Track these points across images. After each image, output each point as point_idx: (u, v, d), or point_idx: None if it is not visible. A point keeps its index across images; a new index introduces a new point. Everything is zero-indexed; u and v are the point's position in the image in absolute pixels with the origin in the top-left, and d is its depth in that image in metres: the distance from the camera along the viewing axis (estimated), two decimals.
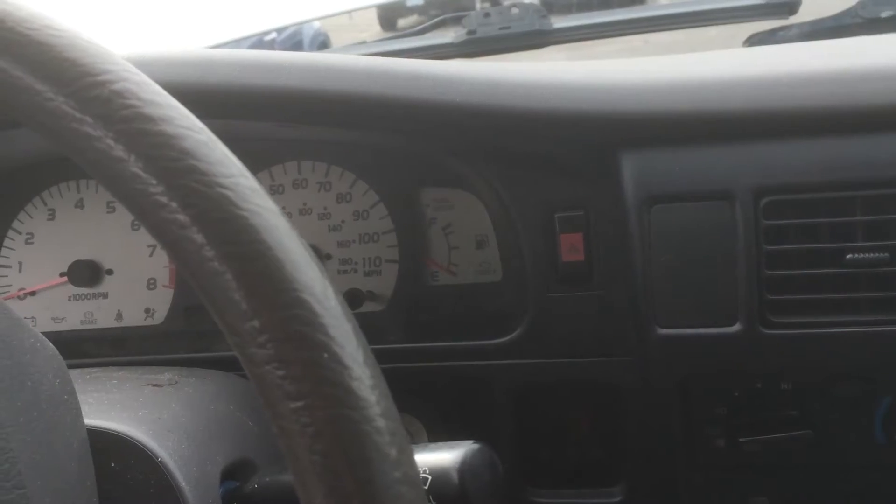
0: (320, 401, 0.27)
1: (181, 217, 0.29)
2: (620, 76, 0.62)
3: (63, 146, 0.30)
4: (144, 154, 0.29)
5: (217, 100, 0.56)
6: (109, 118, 0.29)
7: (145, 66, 0.32)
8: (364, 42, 1.09)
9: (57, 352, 0.44)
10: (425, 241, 0.78)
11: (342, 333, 0.28)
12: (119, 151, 0.29)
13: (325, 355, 0.28)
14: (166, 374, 0.57)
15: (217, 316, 0.29)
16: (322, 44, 1.69)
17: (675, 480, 0.64)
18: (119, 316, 0.81)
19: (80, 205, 0.82)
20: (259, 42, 1.41)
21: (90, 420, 0.45)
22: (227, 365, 0.70)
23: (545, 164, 0.63)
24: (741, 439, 0.61)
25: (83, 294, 0.82)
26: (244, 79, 0.57)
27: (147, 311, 0.81)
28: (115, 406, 0.49)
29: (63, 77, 0.29)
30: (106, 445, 0.45)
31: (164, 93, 0.31)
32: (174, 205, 0.29)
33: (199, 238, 0.28)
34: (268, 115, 0.59)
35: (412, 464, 0.28)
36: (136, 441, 0.45)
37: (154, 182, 0.29)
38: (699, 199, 0.58)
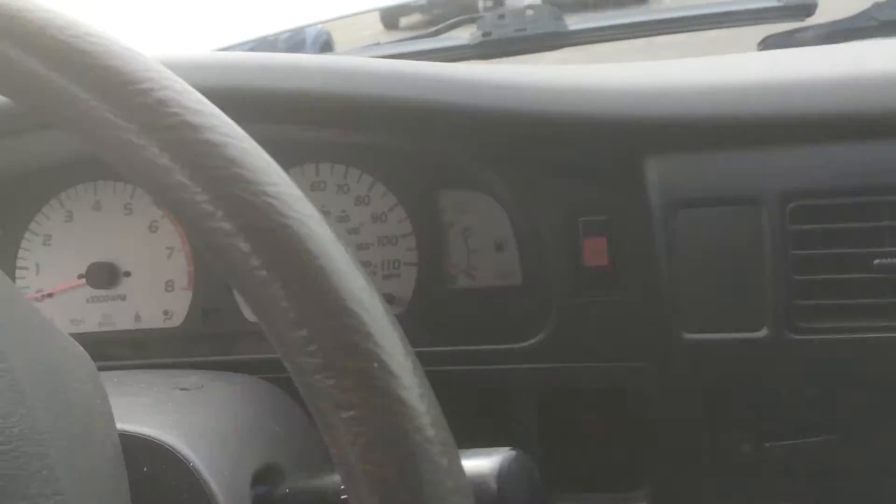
0: (372, 411, 0.27)
1: (227, 226, 0.28)
2: (644, 80, 0.62)
3: (106, 153, 0.30)
4: (190, 162, 0.29)
5: (247, 104, 0.56)
6: (154, 126, 0.29)
7: (170, 69, 0.32)
8: (378, 44, 1.08)
9: (87, 355, 0.44)
10: (444, 245, 0.78)
11: (391, 342, 0.28)
12: (164, 160, 0.29)
13: (376, 365, 0.28)
14: (192, 378, 0.57)
15: (265, 324, 0.29)
16: (325, 43, 1.68)
17: (699, 485, 0.64)
18: (137, 318, 0.81)
19: (97, 207, 0.82)
20: (261, 42, 1.40)
21: (122, 424, 0.45)
22: (249, 367, 0.70)
23: (568, 167, 0.63)
24: (767, 444, 0.61)
25: (101, 296, 0.82)
26: (274, 82, 0.57)
27: (165, 313, 0.81)
28: (145, 410, 0.49)
29: (106, 85, 0.29)
30: (138, 450, 0.45)
31: (206, 100, 0.31)
32: (220, 213, 0.28)
33: (245, 247, 0.28)
34: (297, 119, 0.59)
35: (462, 473, 0.28)
36: (169, 446, 0.45)
37: (200, 190, 0.29)
38: (725, 204, 0.58)
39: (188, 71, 0.63)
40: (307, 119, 0.60)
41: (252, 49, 1.31)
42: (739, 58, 0.75)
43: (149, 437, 0.45)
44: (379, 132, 0.64)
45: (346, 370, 0.27)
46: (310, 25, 1.37)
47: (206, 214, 0.29)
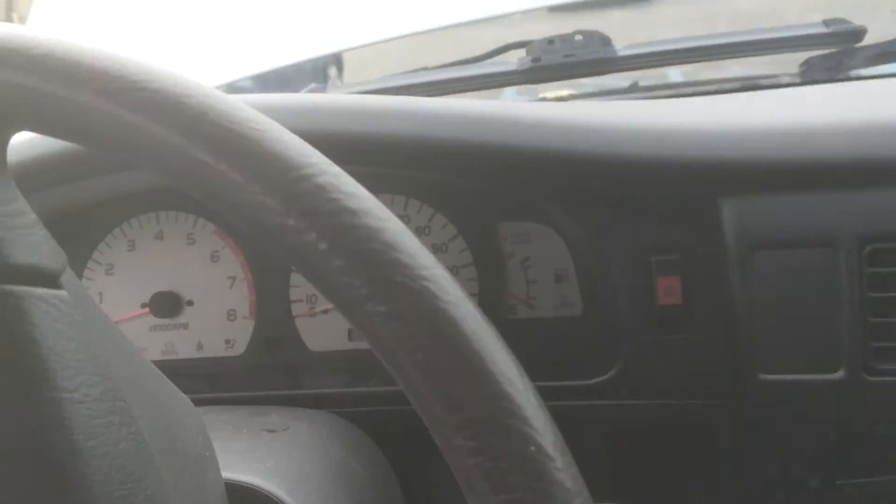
0: (530, 494, 0.28)
1: (385, 309, 0.29)
2: (718, 120, 0.63)
3: (262, 235, 0.31)
4: (350, 248, 0.29)
5: (339, 148, 0.57)
6: (315, 212, 0.30)
7: (268, 113, 0.32)
8: (426, 68, 1.09)
9: (193, 406, 0.45)
10: (504, 275, 0.78)
11: (543, 424, 0.29)
12: (324, 244, 0.30)
13: (532, 448, 0.28)
14: (274, 417, 0.58)
15: (420, 406, 0.30)
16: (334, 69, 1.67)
17: None
18: (200, 346, 0.82)
19: (159, 236, 0.83)
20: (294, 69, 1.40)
21: (226, 473, 0.46)
22: (317, 402, 0.71)
23: (640, 207, 0.64)
24: (838, 482, 0.61)
25: (164, 325, 0.82)
26: (366, 127, 0.58)
27: (227, 341, 0.82)
28: (242, 456, 0.50)
29: (268, 172, 0.30)
30: (242, 499, 0.45)
31: (357, 183, 0.31)
32: (380, 297, 0.29)
33: (404, 331, 0.29)
34: (383, 161, 0.60)
35: None
36: (270, 494, 0.46)
37: (360, 275, 0.29)
38: (802, 246, 0.59)
39: (286, 115, 0.64)
40: (392, 162, 0.61)
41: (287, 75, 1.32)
42: (808, 92, 0.76)
43: (252, 485, 0.46)
44: (451, 172, 0.65)
45: (503, 454, 0.28)
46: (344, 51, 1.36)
47: (363, 297, 0.29)
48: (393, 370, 0.30)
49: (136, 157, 0.31)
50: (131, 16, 1.43)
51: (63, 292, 0.35)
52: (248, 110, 0.31)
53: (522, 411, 0.29)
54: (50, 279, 0.35)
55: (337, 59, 1.43)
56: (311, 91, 1.08)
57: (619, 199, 0.65)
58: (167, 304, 0.81)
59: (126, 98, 0.30)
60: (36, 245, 0.35)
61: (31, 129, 0.33)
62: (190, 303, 0.82)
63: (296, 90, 1.34)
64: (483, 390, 0.29)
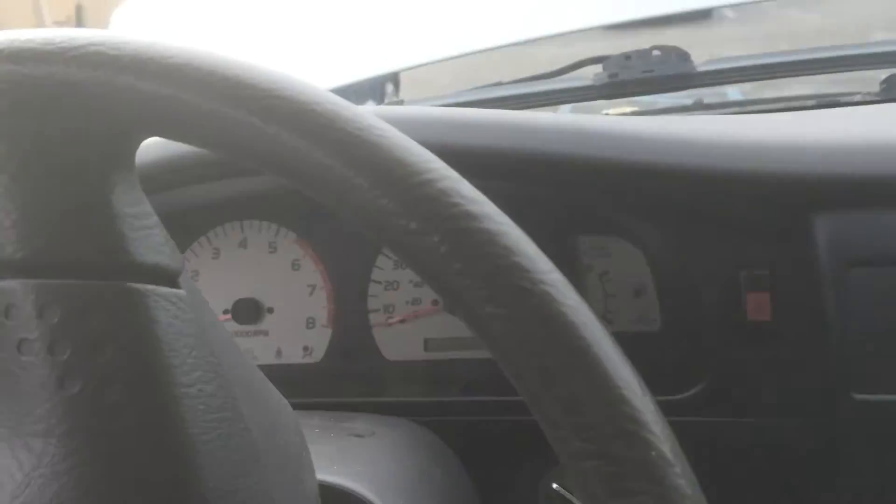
0: (650, 499, 0.28)
1: (505, 312, 0.30)
2: (811, 134, 0.62)
3: (383, 239, 0.32)
4: (472, 252, 0.30)
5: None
6: (437, 216, 0.30)
7: (395, 124, 0.33)
8: (500, 82, 1.10)
9: (291, 407, 0.45)
10: (581, 289, 0.78)
11: (662, 430, 0.29)
12: (445, 248, 0.30)
13: (653, 453, 0.28)
14: (359, 423, 0.59)
15: (537, 408, 0.30)
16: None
17: None
18: (279, 353, 0.84)
19: (243, 244, 0.85)
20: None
21: (319, 475, 0.46)
22: (395, 410, 0.72)
23: (729, 221, 0.63)
24: None
25: (245, 331, 0.84)
26: (465, 138, 0.59)
27: (305, 349, 0.83)
28: (332, 459, 0.50)
29: (392, 177, 0.31)
30: (335, 501, 0.46)
31: (476, 189, 0.32)
32: (500, 300, 0.30)
33: (524, 333, 0.29)
34: (477, 173, 0.61)
35: None
36: (364, 498, 0.47)
37: (480, 278, 0.30)
38: None
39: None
40: (483, 173, 0.61)
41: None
42: (892, 110, 0.74)
43: (345, 488, 0.47)
44: (539, 185, 0.65)
45: (624, 458, 0.28)
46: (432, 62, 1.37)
47: (483, 300, 0.30)
48: (510, 372, 0.30)
49: (264, 162, 0.32)
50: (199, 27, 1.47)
51: (182, 291, 0.37)
52: (372, 118, 0.32)
53: (642, 416, 0.29)
54: (171, 278, 0.37)
55: (410, 75, 1.45)
56: (391, 104, 1.10)
57: (707, 212, 0.64)
58: (249, 311, 0.83)
59: (258, 106, 0.31)
60: (159, 245, 0.36)
61: (163, 136, 0.34)
62: (270, 310, 0.84)
63: (377, 102, 1.37)
64: (603, 394, 0.29)
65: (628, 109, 1.09)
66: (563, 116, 0.63)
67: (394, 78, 1.60)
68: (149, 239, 0.36)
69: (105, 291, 0.35)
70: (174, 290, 0.36)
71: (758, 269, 0.62)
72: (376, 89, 1.57)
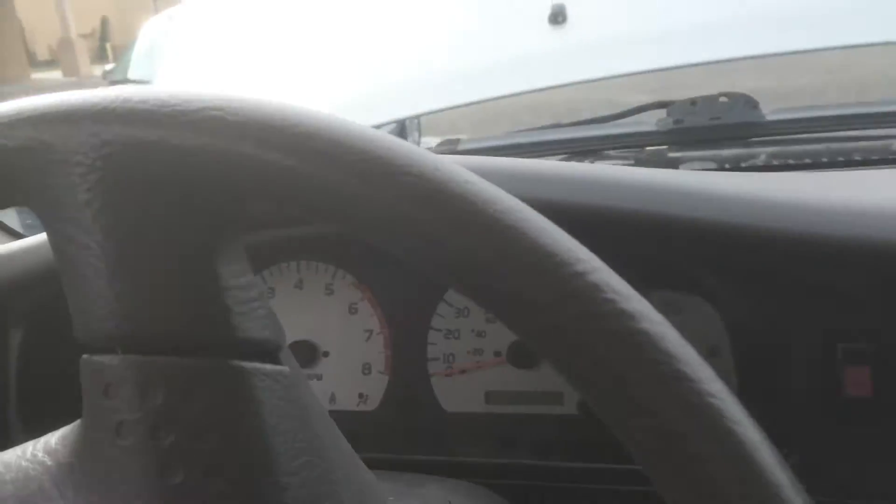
0: None
1: (669, 427, 0.27)
2: None
3: (522, 332, 0.29)
4: (628, 355, 0.27)
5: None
6: (588, 313, 0.28)
7: (490, 177, 0.30)
8: (559, 124, 1.08)
9: (377, 482, 0.43)
10: None
11: None
12: (600, 347, 0.28)
13: None
14: (432, 488, 0.56)
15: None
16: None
17: None
18: (333, 399, 0.81)
19: (299, 285, 0.83)
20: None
21: None
22: (455, 470, 0.69)
23: (825, 288, 0.60)
24: None
25: None
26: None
27: (360, 396, 0.81)
28: None
29: (540, 266, 0.28)
30: None
31: (624, 282, 0.30)
32: (668, 415, 0.27)
33: (686, 453, 0.27)
34: (592, 233, 0.58)
35: None
36: None
37: (637, 384, 0.27)
38: None
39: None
40: (582, 232, 0.59)
41: None
42: None
43: None
44: (622, 243, 0.63)
45: None
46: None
47: (642, 411, 0.27)
48: (663, 487, 0.28)
49: (386, 241, 0.30)
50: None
51: (286, 368, 0.34)
52: (511, 199, 0.29)
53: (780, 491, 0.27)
54: (274, 355, 0.35)
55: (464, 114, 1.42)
56: (446, 144, 1.08)
57: (797, 277, 0.61)
58: (304, 354, 0.80)
59: (387, 183, 0.29)
60: (263, 319, 0.34)
61: (278, 207, 0.32)
62: (326, 354, 0.81)
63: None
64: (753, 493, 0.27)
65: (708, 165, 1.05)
66: (642, 170, 0.60)
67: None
68: (253, 312, 0.34)
69: (209, 370, 0.32)
70: (278, 368, 0.34)
71: (857, 341, 0.59)
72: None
